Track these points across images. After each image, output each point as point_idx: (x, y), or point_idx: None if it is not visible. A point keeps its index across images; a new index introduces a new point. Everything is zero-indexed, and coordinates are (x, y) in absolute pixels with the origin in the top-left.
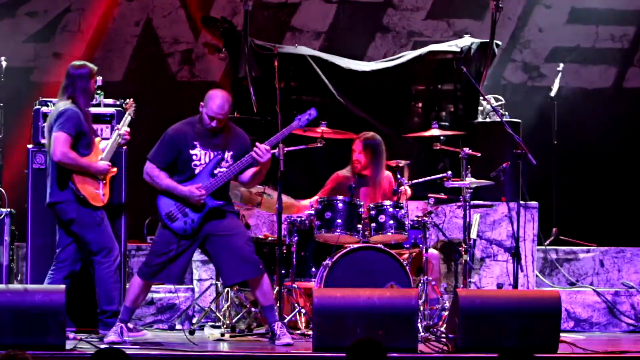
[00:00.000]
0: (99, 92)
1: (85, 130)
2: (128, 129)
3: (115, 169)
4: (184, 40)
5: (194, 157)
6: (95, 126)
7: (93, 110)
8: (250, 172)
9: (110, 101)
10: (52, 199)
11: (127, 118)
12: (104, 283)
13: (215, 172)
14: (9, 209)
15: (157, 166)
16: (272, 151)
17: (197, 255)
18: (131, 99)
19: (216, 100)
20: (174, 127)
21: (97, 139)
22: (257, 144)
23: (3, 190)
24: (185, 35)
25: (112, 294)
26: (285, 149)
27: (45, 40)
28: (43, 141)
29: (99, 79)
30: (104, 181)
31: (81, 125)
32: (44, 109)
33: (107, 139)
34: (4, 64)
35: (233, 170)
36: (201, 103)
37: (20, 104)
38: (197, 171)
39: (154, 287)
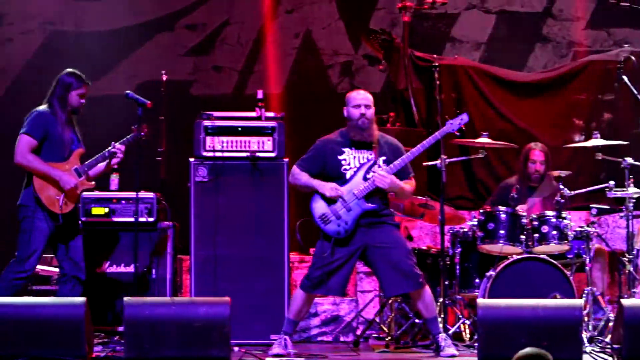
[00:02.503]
0: (260, 104)
1: (53, 135)
2: (122, 147)
3: (91, 184)
4: (343, 52)
5: (343, 162)
6: (256, 139)
7: (255, 123)
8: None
9: (271, 114)
10: (19, 201)
11: (129, 138)
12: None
13: (368, 176)
14: (172, 223)
15: (301, 170)
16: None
17: (361, 267)
18: (145, 126)
19: (353, 93)
20: (324, 137)
21: (79, 150)
22: (376, 168)
23: (165, 204)
24: (345, 47)
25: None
26: (447, 160)
27: (205, 53)
28: (205, 154)
29: (259, 91)
30: (66, 194)
31: (48, 130)
32: (205, 122)
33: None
34: (164, 77)
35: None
36: (344, 109)
37: (181, 117)
38: (348, 175)
39: (317, 300)
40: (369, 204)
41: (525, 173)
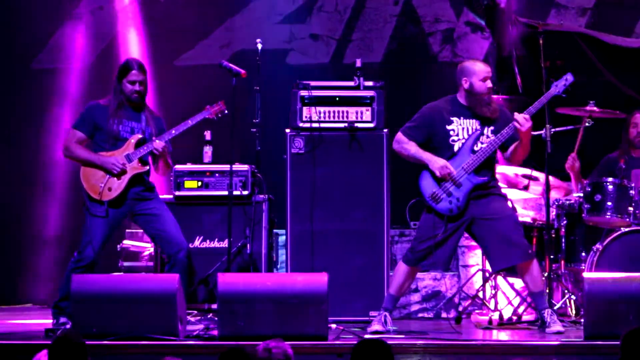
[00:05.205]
0: (358, 73)
1: (102, 125)
2: (162, 143)
3: (144, 168)
4: (445, 19)
5: (451, 132)
6: (354, 109)
7: (353, 92)
8: (512, 147)
9: (370, 83)
10: None
11: (196, 116)
12: (65, 276)
13: (476, 148)
14: (267, 196)
15: (407, 138)
16: (528, 122)
17: (463, 241)
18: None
19: (478, 64)
20: (430, 103)
21: (137, 136)
22: (516, 113)
23: (260, 177)
24: (447, 13)
25: (63, 288)
26: (553, 129)
27: (301, 21)
28: (301, 125)
29: (358, 60)
30: (117, 178)
31: (96, 122)
32: (302, 92)
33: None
34: (259, 46)
35: (493, 145)
36: (463, 79)
37: (277, 87)
38: (456, 148)
39: (418, 275)
40: (480, 177)
41: (628, 139)
